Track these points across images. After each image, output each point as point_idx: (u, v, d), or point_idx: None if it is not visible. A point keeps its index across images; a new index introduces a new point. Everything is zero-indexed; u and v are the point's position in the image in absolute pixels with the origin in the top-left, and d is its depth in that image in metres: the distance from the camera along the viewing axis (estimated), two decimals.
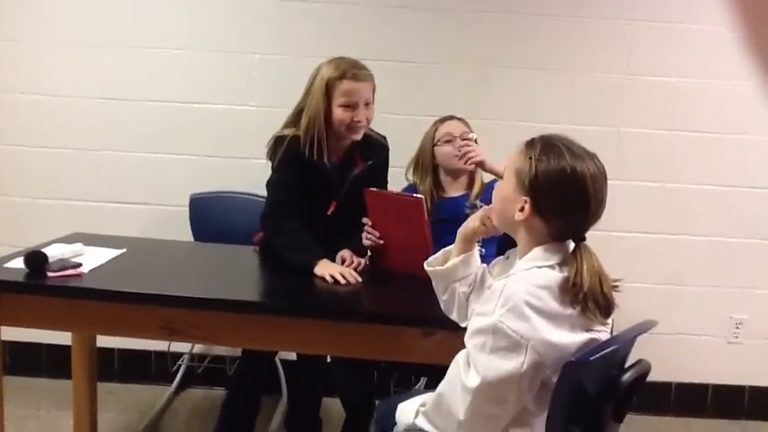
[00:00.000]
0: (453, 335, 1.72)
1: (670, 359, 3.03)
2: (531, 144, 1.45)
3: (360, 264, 2.29)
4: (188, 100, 3.05)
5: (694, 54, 2.99)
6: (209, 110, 3.03)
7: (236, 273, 2.39)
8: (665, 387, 3.18)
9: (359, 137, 2.27)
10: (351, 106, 2.20)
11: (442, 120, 2.60)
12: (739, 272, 3.12)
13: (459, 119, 2.60)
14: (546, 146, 1.42)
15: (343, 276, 2.12)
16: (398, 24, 3.01)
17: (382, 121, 2.98)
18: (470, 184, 2.56)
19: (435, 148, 2.55)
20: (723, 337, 3.18)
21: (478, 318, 1.40)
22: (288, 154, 2.23)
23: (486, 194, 2.48)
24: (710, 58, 2.99)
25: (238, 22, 3.03)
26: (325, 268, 2.15)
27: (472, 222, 1.66)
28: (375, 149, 2.40)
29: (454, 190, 2.57)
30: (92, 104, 3.05)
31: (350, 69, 2.21)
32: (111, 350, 3.11)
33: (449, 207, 2.50)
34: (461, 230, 1.69)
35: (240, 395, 2.47)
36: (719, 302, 3.14)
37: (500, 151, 3.03)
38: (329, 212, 2.34)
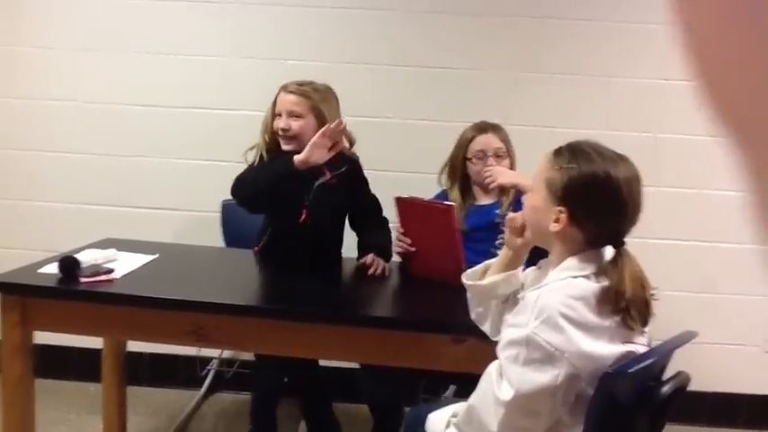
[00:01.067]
0: (483, 343, 1.70)
1: (705, 369, 2.96)
2: (558, 152, 1.43)
3: (382, 267, 2.34)
4: (221, 106, 3.07)
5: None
6: (243, 116, 3.04)
7: (266, 279, 2.39)
8: (699, 397, 3.10)
9: (286, 146, 2.36)
10: (279, 115, 2.37)
11: (477, 129, 2.52)
12: None
13: (494, 127, 2.54)
14: (574, 152, 1.40)
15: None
16: (431, 30, 2.99)
17: (414, 128, 2.98)
18: (502, 191, 2.51)
19: (467, 162, 2.51)
20: (759, 347, 3.10)
21: (511, 329, 1.38)
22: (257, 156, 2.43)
23: (518, 203, 2.46)
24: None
25: (271, 28, 3.04)
26: (303, 155, 2.22)
27: (514, 237, 1.59)
28: (341, 161, 2.44)
29: (485, 198, 2.54)
30: (127, 111, 3.08)
31: (290, 84, 2.40)
32: (140, 354, 3.12)
33: (480, 215, 2.48)
34: (508, 248, 1.62)
35: (260, 401, 2.60)
36: (756, 311, 3.06)
37: (532, 158, 3.00)
38: (301, 220, 2.40)
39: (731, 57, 0.36)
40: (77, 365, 3.18)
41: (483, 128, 2.51)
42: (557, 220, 1.38)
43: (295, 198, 2.38)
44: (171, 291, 2.06)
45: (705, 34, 0.37)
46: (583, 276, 1.36)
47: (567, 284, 1.36)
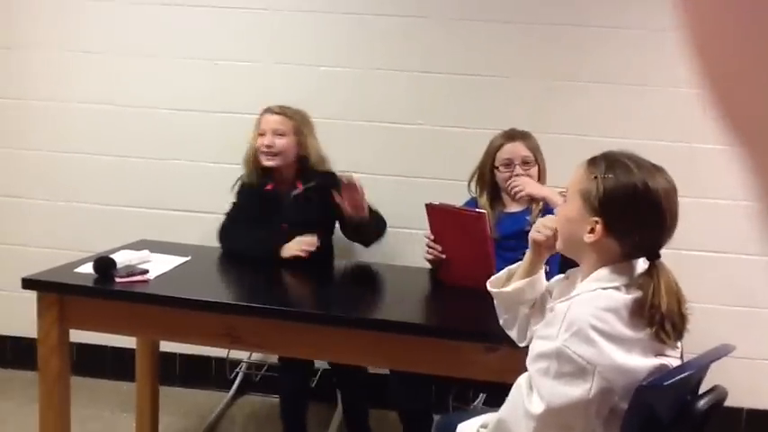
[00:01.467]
0: (516, 351, 1.68)
1: (742, 384, 2.90)
2: (594, 162, 1.41)
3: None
4: (254, 111, 3.09)
5: None
6: None
7: (297, 282, 2.41)
8: (736, 413, 3.05)
9: (268, 162, 2.55)
10: (263, 134, 2.56)
11: (506, 137, 2.51)
12: None
13: (523, 135, 2.52)
14: (611, 163, 1.38)
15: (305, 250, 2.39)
16: (463, 37, 2.99)
17: (445, 134, 2.98)
18: (532, 199, 2.49)
19: (495, 170, 2.49)
20: None
21: (541, 341, 1.36)
22: (240, 182, 2.69)
23: (548, 210, 2.44)
24: None
25: (304, 34, 3.06)
26: (288, 250, 2.41)
27: (536, 236, 1.58)
28: (316, 175, 2.57)
29: (514, 206, 2.52)
30: (160, 114, 3.13)
31: (273, 106, 2.62)
32: (173, 354, 3.16)
33: (509, 223, 2.47)
34: (531, 250, 1.62)
35: (286, 404, 2.67)
36: None
37: (565, 166, 2.97)
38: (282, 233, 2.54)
39: (734, 57, 0.35)
40: (111, 364, 3.23)
41: (511, 135, 2.50)
42: (591, 231, 1.36)
43: (273, 218, 2.56)
44: (204, 292, 2.09)
45: (707, 34, 0.36)
46: (613, 288, 1.34)
47: (597, 296, 1.34)
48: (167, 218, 3.16)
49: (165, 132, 3.14)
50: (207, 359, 3.21)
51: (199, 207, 3.15)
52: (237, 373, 3.15)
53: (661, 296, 1.30)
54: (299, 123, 2.59)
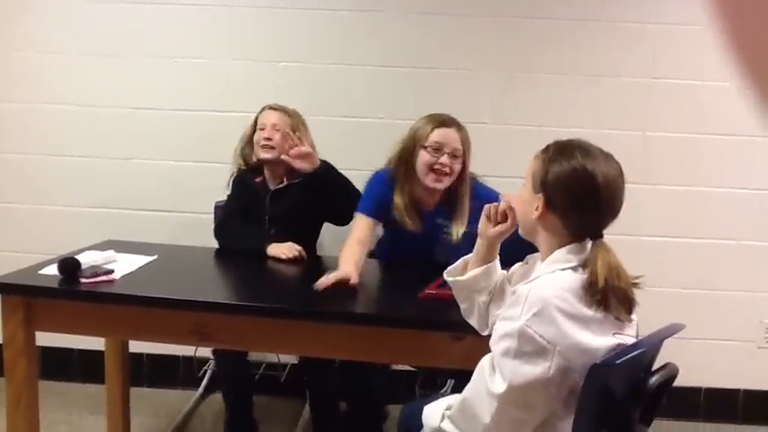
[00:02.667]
0: (481, 340, 1.71)
1: (699, 364, 3.00)
2: (546, 149, 1.50)
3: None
4: (215, 108, 3.10)
5: (720, 56, 2.97)
6: (236, 118, 3.05)
7: (262, 279, 2.42)
8: (694, 392, 3.15)
9: (265, 155, 2.67)
10: (262, 129, 2.69)
11: (439, 122, 2.37)
12: None
13: (456, 124, 2.39)
14: (559, 148, 1.47)
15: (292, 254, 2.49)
16: (423, 30, 3.03)
17: (405, 128, 3.01)
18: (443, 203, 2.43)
19: (422, 150, 2.35)
20: (753, 342, 3.14)
21: (504, 322, 1.41)
22: (233, 178, 2.81)
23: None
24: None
25: (263, 30, 3.07)
26: (274, 249, 2.51)
27: (489, 226, 1.66)
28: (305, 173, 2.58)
29: (429, 201, 2.44)
30: (121, 113, 3.11)
31: (272, 104, 2.76)
32: (140, 355, 3.15)
33: (429, 221, 2.43)
34: (482, 238, 1.69)
35: (227, 390, 2.73)
36: (750, 307, 3.10)
37: (524, 156, 3.05)
38: (266, 228, 2.69)
39: None
40: (78, 367, 3.21)
41: (445, 122, 2.38)
42: (537, 208, 1.45)
43: (258, 210, 2.71)
44: (172, 290, 2.09)
45: (748, 29, 0.38)
46: (570, 268, 1.41)
47: (556, 277, 1.40)
48: (130, 218, 3.15)
49: (125, 131, 3.13)
50: (175, 358, 3.21)
51: (160, 206, 3.15)
52: (206, 371, 3.15)
53: (598, 273, 1.36)
54: (295, 121, 2.71)
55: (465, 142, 2.38)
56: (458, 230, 2.37)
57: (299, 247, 2.51)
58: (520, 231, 1.58)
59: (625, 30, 2.98)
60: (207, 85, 3.10)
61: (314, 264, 2.53)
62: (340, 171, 2.66)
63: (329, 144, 2.88)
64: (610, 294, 1.36)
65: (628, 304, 1.40)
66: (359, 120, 3.08)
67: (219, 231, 2.75)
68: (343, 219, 2.62)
